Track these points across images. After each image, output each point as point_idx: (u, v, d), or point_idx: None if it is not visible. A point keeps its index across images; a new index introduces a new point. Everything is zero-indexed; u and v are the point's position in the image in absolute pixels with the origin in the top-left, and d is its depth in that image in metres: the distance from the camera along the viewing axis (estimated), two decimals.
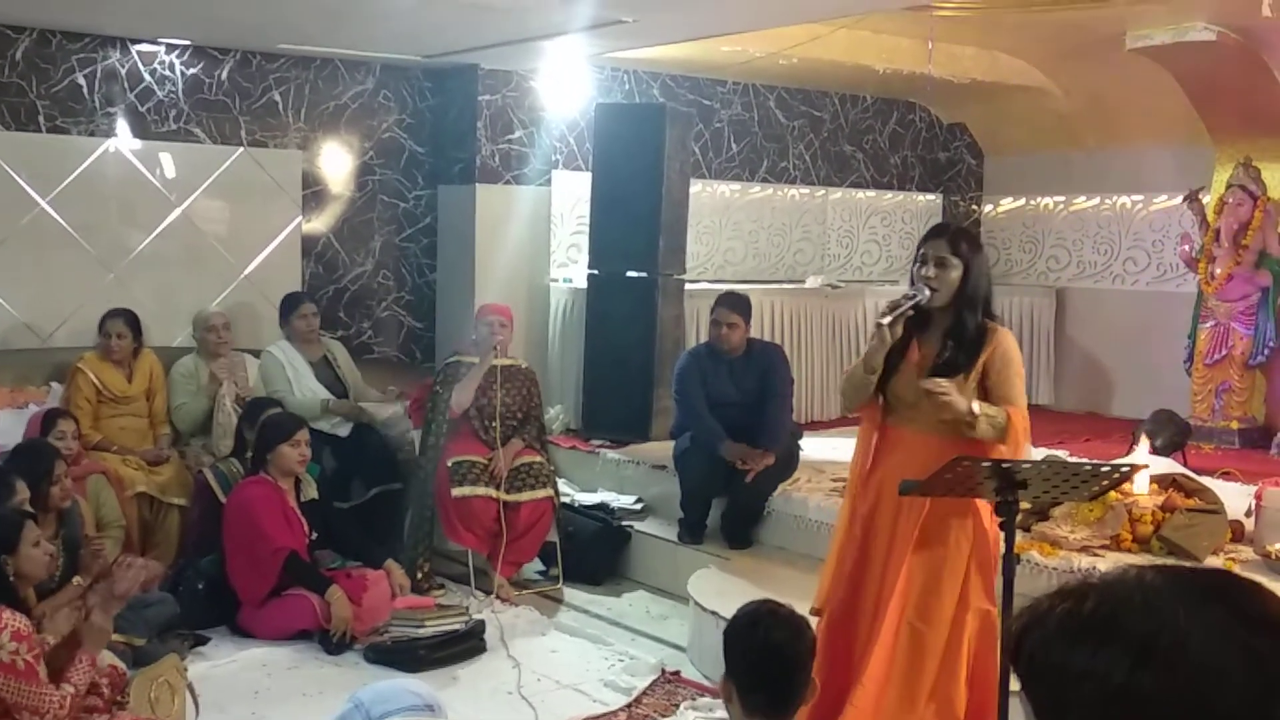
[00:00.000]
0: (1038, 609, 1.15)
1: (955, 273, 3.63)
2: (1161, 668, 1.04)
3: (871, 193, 9.76)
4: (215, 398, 6.47)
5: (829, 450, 6.71)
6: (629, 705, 4.77)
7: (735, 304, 6.14)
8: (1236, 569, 4.68)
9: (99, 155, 6.99)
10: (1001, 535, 3.33)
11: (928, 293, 3.63)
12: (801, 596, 4.05)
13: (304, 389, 6.60)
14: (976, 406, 3.56)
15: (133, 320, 6.42)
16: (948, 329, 3.68)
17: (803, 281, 8.95)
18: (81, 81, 6.96)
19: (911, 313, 3.65)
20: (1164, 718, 1.03)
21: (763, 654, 2.83)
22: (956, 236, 3.71)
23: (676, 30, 6.73)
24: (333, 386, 6.76)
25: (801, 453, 6.24)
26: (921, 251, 3.69)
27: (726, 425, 5.98)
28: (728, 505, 6.11)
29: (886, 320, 3.60)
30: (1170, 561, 4.71)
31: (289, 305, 6.92)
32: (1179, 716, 1.03)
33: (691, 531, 6.15)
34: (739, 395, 6.06)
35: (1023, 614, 1.16)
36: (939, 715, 3.58)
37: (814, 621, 3.81)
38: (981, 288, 3.68)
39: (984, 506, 3.61)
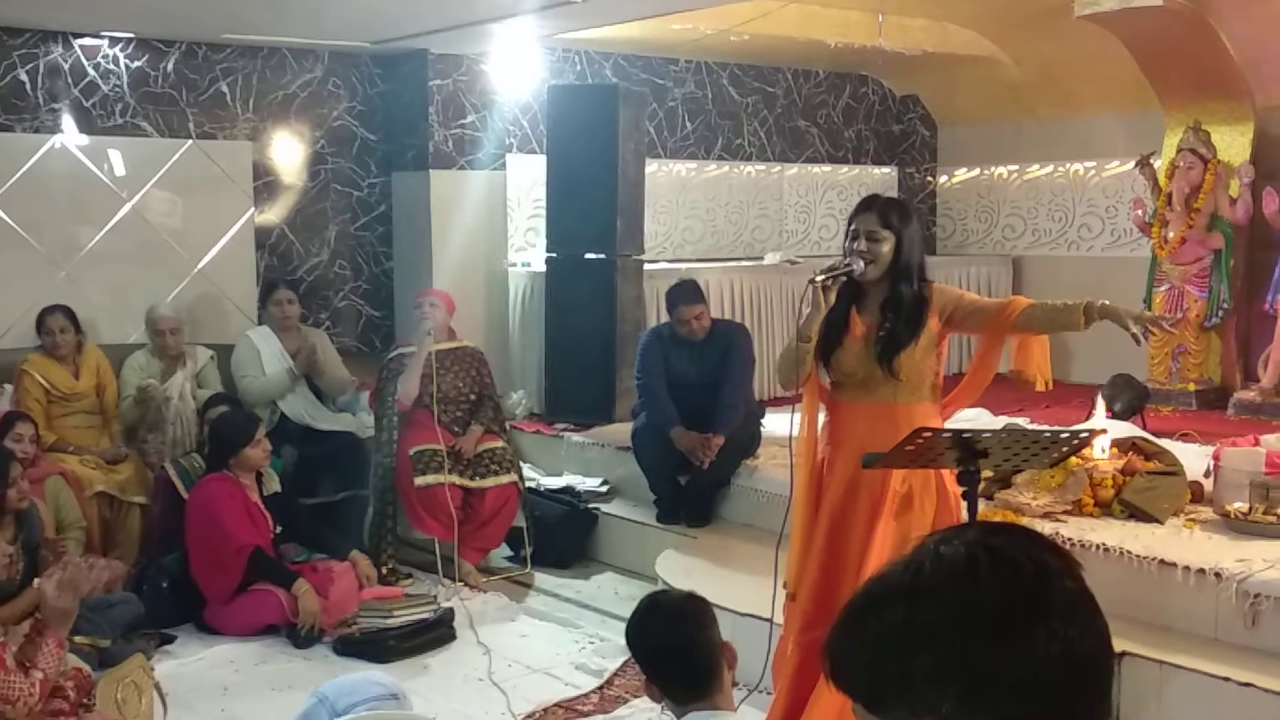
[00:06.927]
0: None
1: (887, 245, 3.66)
2: (923, 596, 1.09)
3: (827, 167, 9.77)
4: (161, 396, 6.38)
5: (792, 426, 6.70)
6: (600, 687, 4.78)
7: (694, 295, 6.12)
8: (1196, 529, 4.74)
9: (45, 152, 6.88)
10: (964, 502, 3.36)
11: (861, 264, 3.65)
12: (766, 571, 4.08)
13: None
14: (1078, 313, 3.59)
15: (70, 314, 6.33)
16: (884, 300, 3.71)
17: (761, 258, 8.96)
18: (24, 78, 6.84)
19: (844, 279, 3.67)
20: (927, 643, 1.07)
21: (661, 649, 2.86)
22: (886, 209, 3.72)
23: (626, 9, 6.69)
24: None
25: (764, 429, 6.25)
26: (853, 226, 3.71)
27: (687, 406, 5.98)
28: (688, 483, 6.11)
29: (820, 278, 3.61)
30: (1129, 524, 4.77)
31: (265, 291, 6.95)
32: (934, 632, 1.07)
33: (670, 512, 6.12)
34: (700, 376, 6.05)
35: None
36: None
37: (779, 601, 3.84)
38: (915, 258, 3.71)
39: None
